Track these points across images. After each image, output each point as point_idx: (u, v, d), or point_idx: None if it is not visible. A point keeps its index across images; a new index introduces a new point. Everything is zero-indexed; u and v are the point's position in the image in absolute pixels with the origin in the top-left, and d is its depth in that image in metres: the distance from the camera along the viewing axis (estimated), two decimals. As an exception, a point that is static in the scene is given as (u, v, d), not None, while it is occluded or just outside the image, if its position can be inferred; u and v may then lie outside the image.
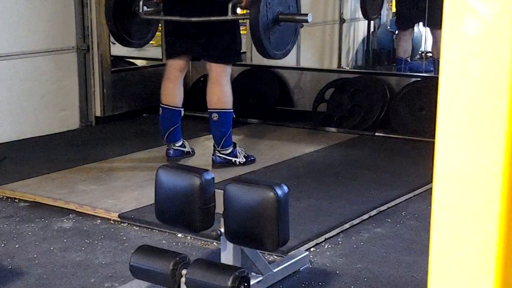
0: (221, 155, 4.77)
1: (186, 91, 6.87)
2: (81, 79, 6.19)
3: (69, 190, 4.33)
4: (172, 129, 4.90)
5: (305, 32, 8.23)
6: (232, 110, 4.78)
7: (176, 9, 4.72)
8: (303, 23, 4.71)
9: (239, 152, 4.84)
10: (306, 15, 4.53)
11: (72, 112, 6.19)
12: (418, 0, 7.95)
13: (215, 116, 4.71)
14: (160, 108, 4.94)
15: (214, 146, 4.82)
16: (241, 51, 5.04)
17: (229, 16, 4.51)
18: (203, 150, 5.36)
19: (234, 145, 4.84)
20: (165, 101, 4.89)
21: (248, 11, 4.38)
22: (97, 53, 6.18)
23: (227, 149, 4.78)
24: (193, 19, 4.63)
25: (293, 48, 4.76)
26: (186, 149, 5.01)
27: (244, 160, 4.84)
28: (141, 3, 4.82)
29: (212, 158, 4.81)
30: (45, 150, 5.40)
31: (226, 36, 4.68)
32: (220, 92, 4.70)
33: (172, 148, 4.93)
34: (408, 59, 8.46)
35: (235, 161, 4.79)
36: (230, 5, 4.49)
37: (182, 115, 4.96)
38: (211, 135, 4.94)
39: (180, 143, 4.97)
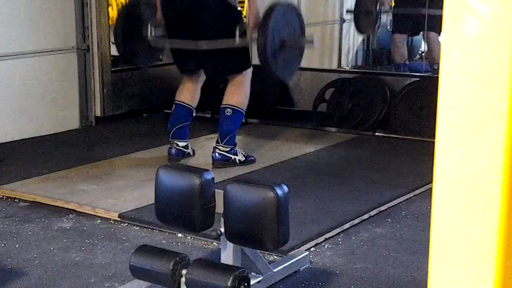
0: (221, 152, 4.76)
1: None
2: (81, 79, 6.19)
3: (69, 190, 4.33)
4: (180, 125, 4.89)
5: (305, 32, 8.22)
6: (244, 113, 4.80)
7: (180, 33, 4.72)
8: (308, 46, 4.73)
9: (239, 151, 4.85)
10: (312, 40, 4.60)
11: (72, 112, 6.19)
12: (414, 9, 7.97)
13: (228, 112, 4.72)
14: (174, 105, 4.95)
15: (216, 142, 4.80)
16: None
17: (237, 41, 4.54)
18: (203, 150, 5.35)
19: (235, 145, 4.85)
20: (180, 99, 4.91)
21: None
22: (97, 53, 6.19)
23: (228, 147, 4.77)
24: (202, 46, 4.64)
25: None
26: (187, 151, 4.99)
27: (243, 158, 4.84)
28: (149, 27, 4.79)
29: (212, 155, 4.80)
30: (45, 150, 5.40)
31: (238, 53, 4.70)
32: (241, 93, 4.75)
33: (175, 148, 4.91)
34: (406, 62, 8.46)
35: (234, 159, 4.79)
36: (237, 30, 4.52)
37: (194, 115, 4.96)
38: (211, 135, 4.95)
39: (184, 144, 4.95)
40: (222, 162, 4.76)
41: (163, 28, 4.82)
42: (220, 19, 4.61)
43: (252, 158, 4.94)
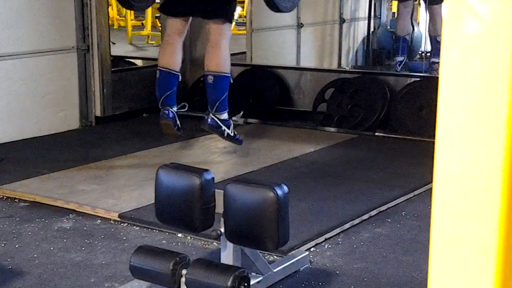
0: (214, 118, 4.70)
1: (186, 91, 6.90)
2: (81, 79, 6.19)
3: (69, 190, 4.33)
4: (168, 93, 4.81)
5: (305, 32, 8.24)
6: (229, 75, 4.73)
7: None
8: None
9: (231, 126, 4.79)
10: None
11: (72, 112, 6.19)
12: None
13: (210, 79, 4.68)
14: (157, 72, 4.85)
15: (208, 109, 4.74)
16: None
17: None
18: (203, 150, 5.36)
19: (230, 116, 4.78)
20: (163, 64, 4.82)
21: None
22: (97, 53, 6.18)
23: (222, 114, 4.71)
24: None
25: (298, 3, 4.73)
26: (181, 110, 4.89)
27: (232, 134, 4.79)
28: None
29: (205, 118, 4.72)
30: (45, 150, 5.40)
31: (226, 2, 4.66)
32: (218, 55, 4.67)
33: (170, 111, 4.81)
34: (407, 37, 8.43)
35: (224, 130, 4.73)
36: (222, 58, 4.56)
37: (180, 80, 4.88)
38: (211, 135, 4.93)
39: (175, 108, 4.86)
40: (212, 128, 4.70)
41: None
42: None
43: (240, 139, 4.87)
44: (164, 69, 4.80)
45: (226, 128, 4.74)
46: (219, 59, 4.66)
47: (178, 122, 4.86)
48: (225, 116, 4.73)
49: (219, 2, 4.70)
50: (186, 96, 6.78)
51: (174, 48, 4.82)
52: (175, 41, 4.82)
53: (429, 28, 8.35)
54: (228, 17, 4.74)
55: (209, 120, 4.71)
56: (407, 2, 8.28)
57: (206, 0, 4.66)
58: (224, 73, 4.69)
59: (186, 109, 4.92)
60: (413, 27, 8.62)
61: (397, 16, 8.54)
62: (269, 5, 4.48)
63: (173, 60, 4.81)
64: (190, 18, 4.88)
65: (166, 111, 4.80)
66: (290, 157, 5.17)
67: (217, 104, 4.67)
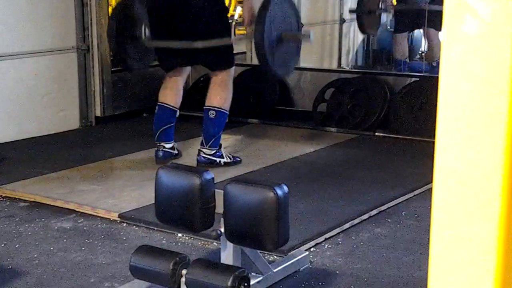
0: (205, 156, 4.74)
1: (186, 91, 6.89)
2: (81, 79, 6.19)
3: (69, 190, 4.33)
4: (165, 127, 4.84)
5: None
6: (228, 113, 4.78)
7: (165, 31, 4.69)
8: (304, 42, 4.69)
9: (224, 154, 4.82)
10: (309, 35, 4.56)
11: (72, 112, 6.19)
12: (415, 8, 8.01)
13: (212, 114, 4.69)
14: (156, 107, 4.90)
15: (201, 145, 4.76)
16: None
17: (233, 38, 4.55)
18: (203, 150, 5.35)
19: (220, 147, 4.81)
20: (162, 100, 4.87)
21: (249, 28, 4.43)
22: (97, 53, 6.18)
23: (213, 150, 4.74)
24: (198, 45, 4.63)
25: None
26: (174, 152, 4.94)
27: (229, 160, 4.81)
28: (143, 27, 4.73)
29: (197, 158, 4.76)
30: (45, 150, 5.40)
31: (224, 46, 4.69)
32: (224, 93, 4.71)
33: (162, 150, 4.85)
34: (407, 60, 8.49)
35: (219, 161, 4.75)
36: (224, 96, 4.59)
37: (178, 115, 4.91)
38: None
39: (170, 145, 4.89)
40: (207, 164, 4.73)
41: (148, 27, 4.73)
42: (207, 18, 4.58)
43: (238, 159, 4.89)
44: (163, 104, 4.86)
45: (220, 159, 4.77)
46: (224, 98, 4.72)
47: (173, 153, 4.92)
48: (215, 150, 4.75)
49: (222, 54, 4.71)
50: (186, 96, 6.78)
51: (175, 88, 4.88)
52: (176, 82, 4.89)
53: (425, 54, 8.44)
54: (229, 67, 4.76)
55: (202, 158, 4.76)
56: (403, 32, 8.39)
57: (204, 50, 4.64)
58: (226, 110, 4.74)
59: (175, 151, 4.95)
60: (409, 49, 8.68)
61: (394, 41, 8.57)
62: (266, 70, 4.50)
63: (173, 98, 4.87)
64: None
65: (159, 151, 4.86)
66: (290, 157, 5.17)
67: (212, 139, 4.72)
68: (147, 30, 4.72)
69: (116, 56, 5.08)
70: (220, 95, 4.69)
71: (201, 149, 4.76)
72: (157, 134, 4.86)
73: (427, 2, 7.83)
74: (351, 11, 8.85)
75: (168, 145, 4.88)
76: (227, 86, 4.72)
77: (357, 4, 8.45)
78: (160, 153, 4.86)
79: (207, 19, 4.60)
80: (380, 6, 8.46)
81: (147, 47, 4.78)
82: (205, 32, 4.61)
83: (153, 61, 5.04)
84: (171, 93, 4.86)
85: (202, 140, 4.77)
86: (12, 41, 5.63)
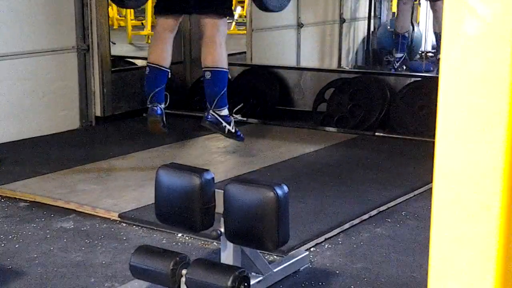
0: (214, 114, 4.65)
1: (185, 91, 6.90)
2: (81, 79, 6.19)
3: (69, 190, 4.33)
4: (158, 89, 4.75)
5: (305, 32, 8.24)
6: (227, 70, 4.69)
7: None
8: None
9: (232, 122, 4.74)
10: None
11: (72, 112, 6.19)
12: None
13: (208, 75, 4.63)
14: (147, 68, 4.81)
15: (207, 106, 4.69)
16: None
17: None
18: (203, 150, 5.36)
19: (230, 113, 4.73)
20: (153, 60, 4.77)
21: None
22: (97, 53, 6.18)
23: (221, 110, 4.66)
24: None
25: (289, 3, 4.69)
26: (165, 106, 4.84)
27: (233, 131, 4.74)
28: None
29: (204, 115, 4.67)
30: (45, 150, 5.40)
31: None
32: (214, 51, 4.62)
33: (159, 107, 4.75)
34: (406, 34, 8.46)
35: (224, 126, 4.67)
36: (219, 52, 4.52)
37: (169, 76, 4.84)
38: (211, 135, 4.91)
39: (163, 105, 4.80)
40: (212, 124, 4.66)
41: None
42: None
43: (241, 135, 4.82)
44: (154, 65, 4.76)
45: (226, 124, 4.70)
46: (216, 54, 4.61)
47: (164, 119, 4.80)
48: (225, 112, 4.68)
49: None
50: (186, 96, 6.79)
51: (165, 45, 4.78)
52: (166, 37, 4.78)
53: (433, 24, 8.38)
54: (222, 12, 4.68)
55: (209, 116, 4.66)
56: (407, 0, 8.32)
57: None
58: (222, 68, 4.65)
59: (168, 102, 4.85)
60: (413, 26, 8.65)
61: (397, 13, 8.57)
62: (258, 5, 4.45)
63: (163, 56, 4.76)
64: (182, 16, 4.86)
65: (155, 107, 4.74)
66: (290, 157, 5.17)
67: (216, 100, 4.62)
68: None
69: None
70: (211, 53, 4.61)
71: (209, 108, 4.68)
72: (151, 96, 4.75)
73: None
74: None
75: (162, 105, 4.80)
76: (218, 42, 4.63)
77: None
78: (158, 110, 4.73)
79: None
80: None
81: None
82: None
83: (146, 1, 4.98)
84: (162, 53, 4.77)
85: (207, 104, 4.70)
86: (12, 41, 5.63)
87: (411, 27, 8.59)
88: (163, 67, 4.76)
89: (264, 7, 4.55)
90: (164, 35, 4.77)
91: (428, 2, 8.20)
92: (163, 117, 4.72)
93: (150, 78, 4.79)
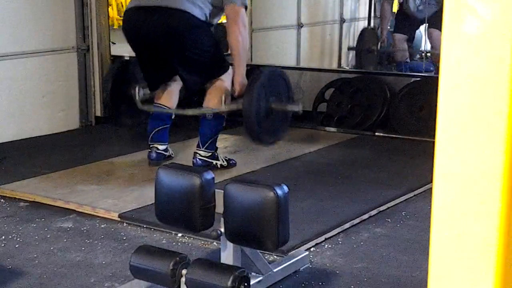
0: (202, 158, 4.68)
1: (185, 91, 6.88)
2: (81, 79, 6.19)
3: (69, 190, 4.33)
4: (160, 128, 4.81)
5: (305, 32, 8.24)
6: (225, 116, 4.74)
7: (160, 81, 4.74)
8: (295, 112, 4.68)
9: (220, 156, 4.78)
10: (298, 105, 4.58)
11: (72, 112, 6.19)
12: (415, 13, 8.06)
13: (209, 116, 4.66)
14: (153, 107, 4.86)
15: (197, 147, 4.72)
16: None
17: (222, 108, 4.54)
18: (203, 150, 5.34)
19: (216, 149, 4.77)
20: (158, 101, 4.84)
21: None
22: (97, 53, 6.19)
23: (209, 152, 4.70)
24: (189, 113, 4.78)
25: (285, 133, 4.71)
26: (168, 154, 4.90)
27: (225, 163, 4.77)
28: (137, 89, 4.73)
29: (193, 161, 4.71)
30: (45, 150, 5.40)
31: (213, 62, 4.63)
32: (220, 97, 4.62)
33: (155, 151, 4.81)
34: (408, 60, 8.51)
35: (216, 164, 4.70)
36: (223, 97, 4.52)
37: (173, 118, 4.88)
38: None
39: (164, 147, 4.86)
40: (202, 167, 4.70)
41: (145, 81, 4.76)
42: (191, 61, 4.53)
43: (233, 161, 4.85)
44: (159, 105, 4.83)
45: (216, 161, 4.74)
46: (221, 99, 4.64)
47: (166, 154, 4.88)
48: (211, 153, 4.72)
49: (209, 72, 4.64)
50: (186, 96, 6.78)
51: (172, 90, 4.85)
52: (171, 87, 4.85)
53: (431, 55, 8.47)
54: (223, 70, 4.66)
55: (198, 161, 4.70)
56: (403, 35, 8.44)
57: (196, 73, 4.62)
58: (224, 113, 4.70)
59: (168, 153, 4.92)
60: (410, 49, 8.72)
61: (393, 41, 8.60)
62: (253, 139, 4.49)
63: (169, 98, 4.83)
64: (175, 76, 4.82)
65: (152, 153, 4.83)
66: (290, 157, 5.17)
67: (209, 141, 4.68)
68: (140, 91, 4.75)
69: (108, 112, 5.11)
70: (217, 97, 4.64)
71: (197, 151, 4.72)
72: (151, 134, 4.83)
73: (427, 7, 7.86)
74: (349, 49, 8.96)
75: (161, 147, 4.84)
76: (223, 89, 4.66)
77: (357, 42, 8.51)
78: (153, 154, 4.82)
79: (191, 62, 4.54)
80: (379, 45, 8.59)
81: (140, 109, 4.81)
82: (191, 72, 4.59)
83: (143, 120, 5.05)
84: (167, 95, 4.83)
85: (198, 142, 4.74)
86: (12, 41, 5.63)
87: (408, 54, 8.66)
88: (168, 107, 4.83)
89: (260, 143, 4.60)
90: (171, 85, 4.84)
91: (425, 29, 8.27)
92: (160, 160, 4.77)
93: (154, 117, 4.86)
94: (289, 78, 4.64)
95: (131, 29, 4.64)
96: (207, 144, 4.68)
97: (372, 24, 9.41)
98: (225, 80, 4.66)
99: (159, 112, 4.83)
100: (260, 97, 4.26)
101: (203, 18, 4.48)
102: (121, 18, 11.63)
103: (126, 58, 5.43)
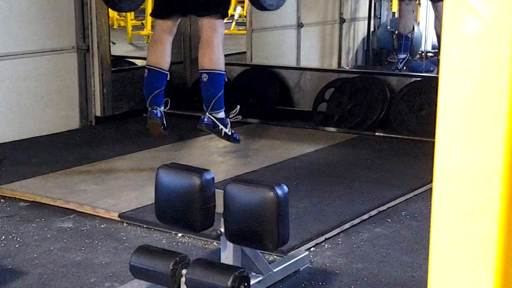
0: (210, 117, 4.60)
1: (185, 91, 6.90)
2: (81, 79, 6.19)
3: (69, 190, 4.33)
4: (157, 92, 4.72)
5: (305, 32, 8.24)
6: (224, 73, 4.64)
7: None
8: None
9: (229, 125, 4.70)
10: None
11: (72, 112, 6.19)
12: None
13: (204, 77, 4.57)
14: (146, 70, 4.78)
15: (204, 108, 4.66)
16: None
17: None
18: (203, 150, 5.36)
19: (227, 115, 4.70)
20: (152, 63, 4.74)
21: None
22: (97, 53, 6.19)
23: (218, 112, 4.62)
24: None
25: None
26: (165, 109, 4.80)
27: (230, 133, 4.69)
28: None
29: (201, 117, 4.63)
30: (45, 150, 5.40)
31: None
32: (211, 53, 4.56)
33: (158, 109, 4.71)
34: (409, 35, 8.45)
35: (221, 129, 4.63)
36: (216, 53, 4.48)
37: (168, 79, 4.79)
38: (210, 135, 4.89)
39: (163, 108, 4.76)
40: (208, 127, 4.63)
41: None
42: None
43: (237, 138, 4.77)
44: (153, 68, 4.73)
45: (223, 127, 4.66)
46: (213, 56, 4.56)
47: (165, 122, 4.78)
48: (221, 115, 4.65)
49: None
50: (186, 96, 6.79)
51: (164, 47, 4.74)
52: (164, 40, 4.75)
53: (434, 24, 8.38)
54: (219, 13, 4.63)
55: (205, 119, 4.61)
56: (409, 1, 8.32)
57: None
58: (219, 70, 4.60)
59: (168, 107, 4.84)
60: (413, 26, 8.65)
61: (399, 14, 8.57)
62: (254, 4, 4.43)
63: (162, 59, 4.73)
64: (180, 17, 4.83)
65: (155, 110, 4.72)
66: (290, 157, 5.17)
67: (212, 102, 4.58)
68: None
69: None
70: (208, 55, 4.56)
71: (205, 111, 4.64)
72: (150, 98, 4.72)
73: None
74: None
75: (161, 108, 4.77)
76: (215, 43, 4.58)
77: None
78: (158, 112, 4.70)
79: None
80: None
81: None
82: None
83: (142, 3, 4.96)
84: (161, 55, 4.73)
85: (203, 107, 4.66)
86: (12, 41, 5.63)
87: (413, 27, 8.60)
88: (162, 69, 4.73)
89: (261, 6, 4.52)
90: (163, 37, 4.74)
91: (430, 1, 8.19)
92: (163, 120, 4.69)
93: (149, 81, 4.76)
94: None
95: None
96: (211, 106, 4.59)
97: (372, 24, 9.40)
98: (217, 34, 4.59)
99: (154, 75, 4.72)
100: None
101: None
102: (121, 18, 11.57)
103: None
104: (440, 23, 8.05)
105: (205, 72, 4.57)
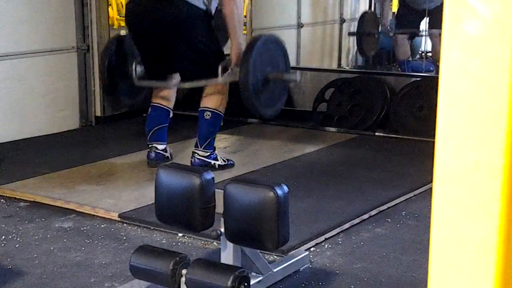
0: (200, 157, 4.67)
1: (186, 91, 6.88)
2: (81, 79, 6.19)
3: (69, 190, 4.33)
4: (158, 127, 4.79)
5: (305, 32, 8.24)
6: (223, 116, 4.72)
7: (161, 73, 4.69)
8: (293, 81, 4.65)
9: (218, 156, 4.76)
10: (295, 74, 4.55)
11: (72, 112, 6.19)
12: (416, 9, 8.06)
13: (207, 115, 4.62)
14: (150, 108, 4.86)
15: (195, 146, 4.70)
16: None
17: (220, 78, 4.48)
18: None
19: (214, 149, 4.76)
20: (155, 101, 4.82)
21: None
22: (97, 53, 6.18)
23: (207, 152, 4.69)
24: (186, 85, 4.73)
25: (283, 103, 4.64)
26: (167, 154, 4.88)
27: (223, 163, 4.74)
28: (134, 65, 4.71)
29: (191, 160, 4.69)
30: (45, 150, 5.40)
31: (213, 60, 4.58)
32: (219, 96, 4.61)
33: (154, 151, 4.80)
34: (410, 59, 8.50)
35: (214, 164, 4.68)
36: (220, 68, 4.47)
37: (171, 116, 4.87)
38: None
39: (163, 147, 4.84)
40: (201, 166, 4.69)
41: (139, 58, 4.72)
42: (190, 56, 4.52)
43: (231, 162, 4.83)
44: (157, 105, 4.81)
45: (214, 161, 4.72)
46: (220, 100, 4.63)
47: (166, 155, 4.85)
48: (210, 152, 4.70)
49: (211, 64, 4.55)
50: (184, 96, 6.79)
51: (169, 92, 4.83)
52: (167, 91, 4.84)
53: (432, 53, 8.47)
54: (210, 74, 4.59)
55: (196, 160, 4.68)
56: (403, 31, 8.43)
57: (196, 71, 4.59)
58: (221, 112, 4.67)
59: (167, 154, 4.89)
60: (410, 52, 8.72)
61: (395, 42, 8.61)
62: (251, 111, 4.46)
63: (167, 98, 4.82)
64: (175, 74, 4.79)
65: (151, 152, 4.81)
66: (290, 157, 5.17)
67: (208, 141, 4.66)
68: (138, 67, 4.72)
69: (107, 92, 5.09)
70: (215, 97, 4.62)
71: (195, 151, 4.70)
72: (150, 134, 4.81)
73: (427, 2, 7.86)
74: (350, 34, 8.95)
75: (160, 146, 4.83)
76: (222, 89, 4.64)
77: (357, 26, 8.52)
78: (152, 154, 4.81)
79: (190, 57, 4.52)
80: (379, 29, 8.58)
81: (137, 86, 4.78)
82: (190, 71, 4.59)
83: (144, 98, 5.01)
84: (165, 94, 4.81)
85: (196, 142, 4.72)
86: (12, 41, 5.63)
87: (410, 52, 8.67)
88: (166, 107, 4.82)
89: (258, 115, 4.59)
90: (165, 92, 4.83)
91: (426, 30, 8.28)
92: (159, 160, 4.73)
93: (152, 116, 4.85)
94: (285, 45, 4.57)
95: (133, 19, 4.64)
96: (205, 144, 4.67)
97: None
98: (223, 83, 4.63)
99: (156, 111, 4.81)
100: (256, 67, 4.20)
101: (202, 7, 4.47)
102: (121, 18, 11.62)
103: (123, 34, 5.32)
104: (436, 52, 8.13)
105: (208, 111, 4.62)
